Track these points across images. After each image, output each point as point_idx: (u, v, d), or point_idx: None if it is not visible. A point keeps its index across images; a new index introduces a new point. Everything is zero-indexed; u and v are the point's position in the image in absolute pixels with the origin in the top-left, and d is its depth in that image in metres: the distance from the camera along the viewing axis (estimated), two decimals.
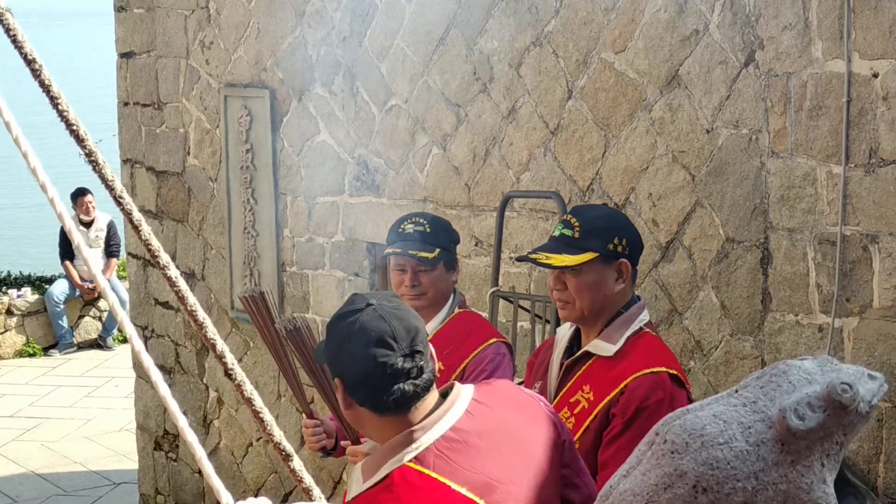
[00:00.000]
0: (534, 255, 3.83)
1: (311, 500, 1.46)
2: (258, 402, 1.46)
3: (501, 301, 5.61)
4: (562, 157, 5.68)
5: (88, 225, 14.41)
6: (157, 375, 1.30)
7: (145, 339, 8.85)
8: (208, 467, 1.29)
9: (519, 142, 5.88)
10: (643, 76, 5.30)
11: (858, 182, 4.54)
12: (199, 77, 8.02)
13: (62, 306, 14.62)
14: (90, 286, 14.45)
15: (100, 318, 14.75)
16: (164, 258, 1.44)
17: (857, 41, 4.50)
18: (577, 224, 3.78)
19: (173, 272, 1.45)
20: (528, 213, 5.86)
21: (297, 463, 1.42)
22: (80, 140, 1.49)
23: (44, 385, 13.41)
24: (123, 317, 1.33)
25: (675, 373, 3.65)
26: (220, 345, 1.44)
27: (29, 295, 14.90)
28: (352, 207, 6.87)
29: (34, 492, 10.15)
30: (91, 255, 1.32)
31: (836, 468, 1.32)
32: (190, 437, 1.29)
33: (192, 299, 1.45)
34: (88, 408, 12.42)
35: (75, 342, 14.78)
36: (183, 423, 1.29)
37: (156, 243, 1.45)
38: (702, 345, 5.14)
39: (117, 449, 11.03)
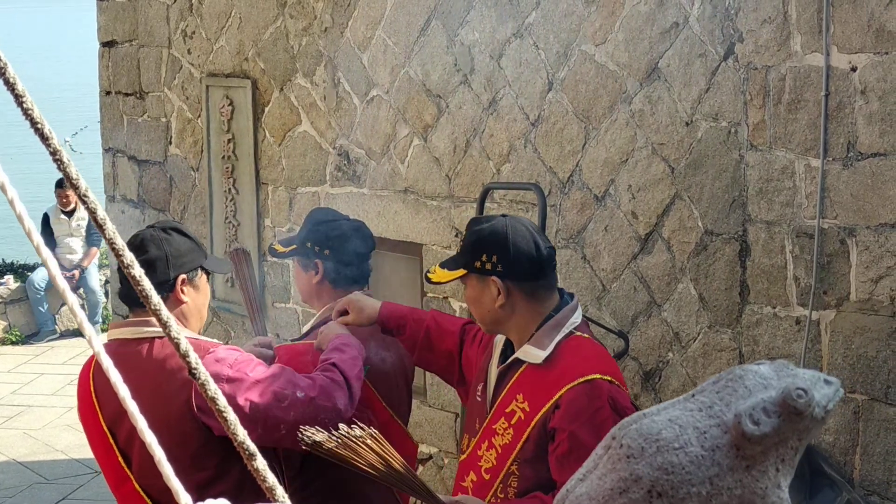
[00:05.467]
0: (429, 270, 3.98)
1: (274, 500, 1.46)
2: (221, 402, 1.45)
3: None
4: (542, 148, 5.69)
5: (71, 213, 14.37)
6: (115, 376, 1.30)
7: None
8: (167, 468, 1.29)
9: (499, 133, 5.89)
10: (623, 68, 5.31)
11: (836, 175, 4.55)
12: (180, 67, 8.01)
13: (43, 293, 14.58)
14: (69, 275, 14.42)
15: (83, 307, 14.70)
16: (129, 257, 1.44)
17: (835, 35, 4.51)
18: (463, 241, 3.88)
19: (137, 271, 1.44)
20: (508, 204, 5.86)
21: (260, 462, 1.42)
22: (44, 138, 1.48)
23: (26, 373, 13.38)
24: (82, 317, 1.32)
25: (611, 378, 3.60)
26: (185, 344, 1.44)
27: (11, 282, 14.86)
28: (333, 198, 6.87)
29: (15, 480, 10.13)
30: (51, 258, 1.32)
31: (792, 473, 1.33)
32: (149, 437, 1.28)
33: (155, 298, 1.44)
34: (71, 396, 12.33)
35: (58, 330, 14.75)
36: (142, 424, 1.29)
37: (120, 242, 1.45)
38: (680, 337, 5.16)
39: None
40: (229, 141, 7.62)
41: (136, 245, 3.98)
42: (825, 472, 4.54)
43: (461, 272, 3.81)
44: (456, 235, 6.15)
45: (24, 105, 1.48)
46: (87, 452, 10.66)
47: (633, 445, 1.31)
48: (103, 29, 8.76)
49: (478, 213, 5.59)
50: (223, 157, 7.68)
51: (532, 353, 3.70)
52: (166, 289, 3.97)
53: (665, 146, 5.16)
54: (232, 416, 1.57)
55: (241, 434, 1.57)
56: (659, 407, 1.38)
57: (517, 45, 5.76)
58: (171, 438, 3.66)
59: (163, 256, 3.96)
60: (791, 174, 4.71)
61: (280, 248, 4.72)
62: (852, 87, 4.48)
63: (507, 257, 3.73)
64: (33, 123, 1.52)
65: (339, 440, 3.44)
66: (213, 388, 1.55)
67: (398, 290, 6.53)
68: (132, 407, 1.37)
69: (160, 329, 4.11)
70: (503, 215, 3.97)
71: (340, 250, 4.59)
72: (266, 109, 7.34)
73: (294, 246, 4.69)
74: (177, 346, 1.54)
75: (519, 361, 3.75)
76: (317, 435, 3.47)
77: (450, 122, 6.14)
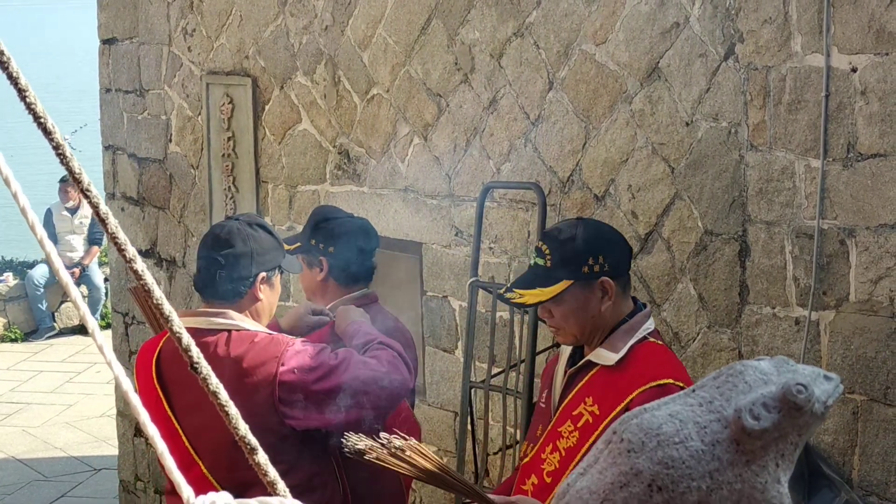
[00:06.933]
0: (509, 294, 3.74)
1: (276, 494, 1.47)
2: (223, 396, 1.46)
3: (481, 291, 5.62)
4: (542, 147, 5.69)
5: (74, 211, 14.37)
6: (118, 369, 1.30)
7: (126, 326, 8.84)
8: (169, 462, 1.30)
9: (499, 132, 5.89)
10: (623, 68, 5.31)
11: (836, 176, 4.55)
12: (181, 64, 8.01)
13: (42, 290, 14.59)
14: (69, 273, 14.43)
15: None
16: (131, 251, 1.44)
17: (836, 36, 4.52)
18: (548, 252, 3.69)
19: (139, 265, 1.44)
20: (508, 203, 5.87)
21: (261, 457, 1.42)
22: (47, 133, 1.49)
23: (25, 370, 13.40)
24: (84, 310, 1.33)
25: (683, 384, 3.49)
26: (186, 338, 1.44)
27: (10, 280, 14.87)
28: (333, 196, 6.87)
29: (14, 477, 10.15)
30: (54, 253, 1.32)
31: (791, 468, 1.33)
32: (151, 430, 1.29)
33: (157, 292, 1.45)
34: (70, 393, 12.43)
35: (57, 327, 14.75)
36: (144, 417, 1.30)
37: (122, 237, 1.45)
38: (679, 337, 5.16)
39: (98, 435, 11.04)
40: (229, 139, 7.62)
41: (223, 237, 4.02)
42: (824, 473, 4.54)
43: (566, 283, 3.63)
44: (456, 234, 6.16)
45: (28, 100, 1.49)
46: (85, 450, 10.70)
47: (634, 440, 1.32)
48: (103, 26, 8.76)
49: (478, 212, 5.60)
50: (223, 155, 7.68)
51: (604, 356, 3.63)
52: (246, 285, 4.01)
53: (665, 146, 5.17)
54: (234, 410, 1.57)
55: (243, 429, 1.57)
56: (659, 402, 1.39)
57: (518, 45, 5.76)
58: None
59: (248, 252, 3.99)
60: (791, 175, 4.71)
61: (285, 247, 4.74)
62: (853, 87, 4.48)
63: (612, 255, 3.66)
64: (36, 118, 1.52)
65: (382, 450, 3.42)
66: (215, 383, 1.56)
67: (397, 289, 6.54)
68: (135, 400, 1.37)
69: (234, 322, 4.19)
70: (578, 218, 3.90)
71: (345, 247, 4.61)
72: (266, 107, 7.34)
73: (299, 244, 4.71)
74: (178, 340, 1.54)
75: (590, 364, 3.67)
76: (360, 443, 3.46)
77: (450, 120, 6.14)
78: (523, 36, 5.73)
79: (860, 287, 4.52)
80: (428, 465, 3.39)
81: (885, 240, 4.41)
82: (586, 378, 3.67)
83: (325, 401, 3.87)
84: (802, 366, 1.36)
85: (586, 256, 3.64)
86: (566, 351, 3.85)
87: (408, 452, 3.39)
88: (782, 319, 4.79)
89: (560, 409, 3.72)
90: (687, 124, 5.07)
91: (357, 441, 3.46)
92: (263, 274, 4.04)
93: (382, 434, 3.42)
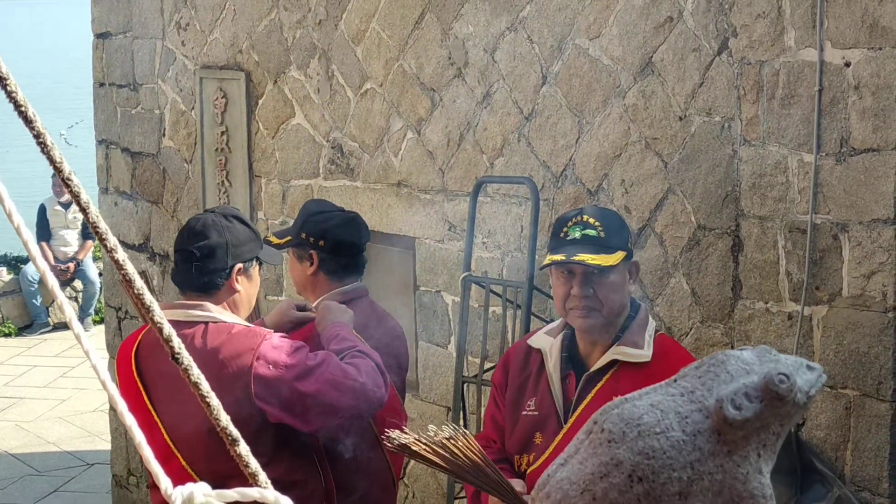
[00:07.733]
0: (577, 257, 3.56)
1: (257, 485, 1.45)
2: (205, 387, 1.45)
3: (474, 286, 5.61)
4: (535, 142, 5.68)
5: (67, 206, 14.34)
6: (96, 358, 1.29)
7: (119, 321, 8.83)
8: (147, 452, 1.29)
9: (493, 127, 5.88)
10: (617, 62, 5.30)
11: (829, 171, 4.54)
12: (174, 58, 8.00)
13: (37, 286, 14.57)
14: (63, 268, 14.40)
15: (76, 299, 14.69)
16: (112, 241, 1.43)
17: (829, 30, 4.51)
18: (598, 224, 3.61)
19: (120, 255, 1.43)
20: (501, 198, 5.86)
21: (243, 448, 1.41)
22: (28, 122, 1.47)
23: (19, 365, 13.38)
24: (65, 302, 1.32)
25: None
26: (167, 329, 1.43)
27: (4, 275, 14.85)
28: (326, 191, 6.86)
29: (7, 471, 10.13)
30: (40, 257, 1.31)
31: (773, 459, 1.32)
32: (129, 420, 1.28)
33: (139, 282, 1.43)
34: (63, 388, 12.41)
35: (51, 322, 14.73)
36: (122, 407, 1.28)
37: (103, 226, 1.44)
38: (672, 331, 5.15)
39: (91, 429, 11.02)
40: (223, 133, 7.61)
41: (198, 230, 4.02)
42: (816, 468, 4.53)
43: (622, 254, 3.60)
44: (449, 229, 6.14)
45: (8, 88, 1.47)
46: (78, 445, 10.68)
47: (615, 430, 1.31)
48: (97, 20, 8.74)
49: (471, 207, 5.59)
50: (216, 150, 7.67)
51: (631, 353, 3.57)
52: (223, 276, 4.01)
53: (658, 141, 5.16)
54: (215, 401, 1.56)
55: (224, 420, 1.56)
56: (641, 392, 1.37)
57: (511, 39, 5.75)
58: None
59: (223, 244, 3.99)
60: (784, 169, 4.70)
61: (275, 240, 4.72)
62: (846, 82, 4.47)
63: (631, 241, 3.69)
64: (17, 106, 1.51)
65: (427, 442, 3.35)
66: (197, 374, 1.55)
67: (391, 284, 6.53)
68: (112, 390, 1.36)
69: (211, 314, 4.18)
70: (595, 206, 3.86)
71: (335, 241, 4.60)
72: (260, 102, 7.33)
73: (289, 237, 4.69)
74: (160, 330, 1.53)
75: (611, 364, 3.60)
76: (402, 437, 3.41)
77: (443, 115, 6.13)
78: (517, 30, 5.72)
79: (853, 282, 4.51)
80: (474, 457, 3.31)
81: (878, 234, 4.40)
82: (607, 377, 3.60)
83: (299, 400, 3.85)
84: (785, 355, 1.35)
85: (628, 233, 3.67)
86: (552, 353, 3.75)
87: (459, 443, 3.31)
88: (775, 314, 4.78)
89: (577, 412, 3.61)
90: (680, 119, 5.06)
91: (399, 435, 3.40)
92: (240, 265, 4.03)
93: (430, 426, 3.37)
